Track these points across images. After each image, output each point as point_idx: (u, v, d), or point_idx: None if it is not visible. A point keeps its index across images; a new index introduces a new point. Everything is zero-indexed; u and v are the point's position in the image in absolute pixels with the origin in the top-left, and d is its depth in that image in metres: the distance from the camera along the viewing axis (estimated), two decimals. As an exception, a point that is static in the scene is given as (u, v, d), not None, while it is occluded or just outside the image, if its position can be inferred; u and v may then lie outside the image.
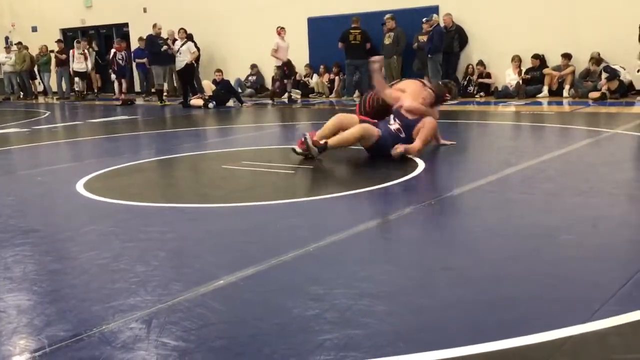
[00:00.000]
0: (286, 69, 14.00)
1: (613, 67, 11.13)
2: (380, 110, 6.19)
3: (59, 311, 2.66)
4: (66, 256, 3.49)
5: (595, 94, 11.16)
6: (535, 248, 3.29)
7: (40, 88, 19.41)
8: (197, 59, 15.16)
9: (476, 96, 12.73)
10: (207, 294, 2.76)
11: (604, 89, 11.14)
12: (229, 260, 3.25)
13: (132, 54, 16.86)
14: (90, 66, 17.32)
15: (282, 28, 13.91)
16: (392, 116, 5.93)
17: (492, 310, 2.53)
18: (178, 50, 13.68)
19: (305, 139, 5.63)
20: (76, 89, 17.39)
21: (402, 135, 5.76)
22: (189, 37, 14.15)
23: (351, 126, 5.72)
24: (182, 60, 13.57)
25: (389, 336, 2.32)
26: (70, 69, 16.94)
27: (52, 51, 17.96)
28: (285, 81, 14.18)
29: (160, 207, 4.52)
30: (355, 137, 5.67)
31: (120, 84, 16.07)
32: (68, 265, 3.32)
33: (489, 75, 12.94)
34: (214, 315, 2.55)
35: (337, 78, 14.61)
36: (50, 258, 3.43)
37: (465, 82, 13.03)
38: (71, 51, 16.87)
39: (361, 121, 5.85)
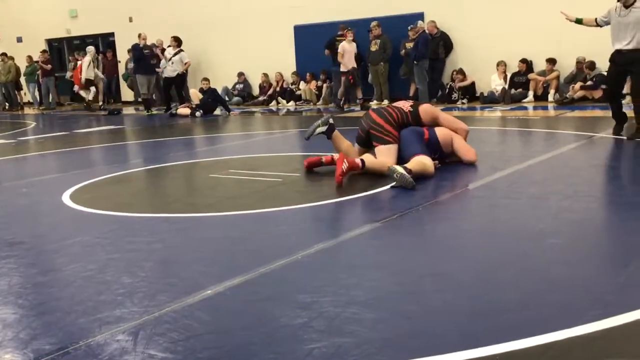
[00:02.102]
0: (351, 78, 12.71)
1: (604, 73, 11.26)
2: (408, 126, 5.67)
3: (45, 324, 2.64)
4: (52, 268, 3.46)
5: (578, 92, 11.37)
6: (522, 253, 3.31)
7: (26, 99, 19.32)
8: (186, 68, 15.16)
9: (458, 103, 12.76)
10: (195, 304, 2.75)
11: (577, 95, 11.33)
12: (217, 269, 3.24)
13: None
14: (100, 74, 16.61)
15: (349, 29, 12.61)
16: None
17: (481, 315, 2.53)
18: (170, 59, 13.64)
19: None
20: (88, 98, 16.37)
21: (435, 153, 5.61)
22: (181, 46, 14.06)
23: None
24: (174, 70, 13.53)
25: (377, 343, 2.32)
26: (82, 78, 16.04)
27: (36, 62, 17.89)
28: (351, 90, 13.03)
29: (147, 217, 4.50)
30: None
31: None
32: (54, 277, 3.29)
33: (465, 80, 12.97)
34: (201, 325, 2.54)
35: (324, 85, 14.65)
36: (36, 270, 3.40)
37: (447, 89, 13.10)
38: (87, 58, 15.94)
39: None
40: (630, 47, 6.86)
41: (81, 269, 3.34)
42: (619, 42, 6.93)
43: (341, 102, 13.09)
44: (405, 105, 5.85)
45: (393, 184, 4.93)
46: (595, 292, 2.72)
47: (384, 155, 5.44)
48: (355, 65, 12.74)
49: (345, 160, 5.12)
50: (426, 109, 5.87)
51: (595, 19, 7.24)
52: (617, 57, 7.01)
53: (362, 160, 5.31)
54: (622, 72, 7.10)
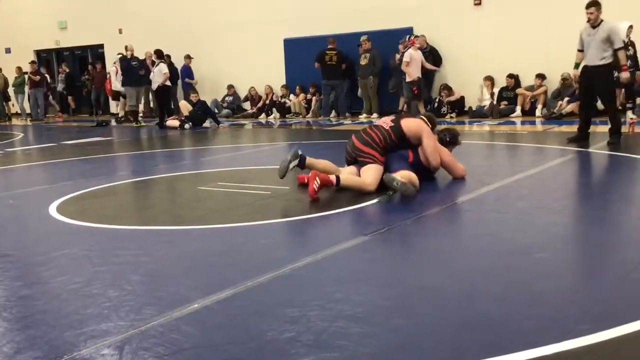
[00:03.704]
0: (415, 89, 11.75)
1: None
2: (393, 148, 5.51)
3: (30, 338, 2.61)
4: (37, 281, 3.43)
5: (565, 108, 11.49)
6: (509, 266, 3.31)
7: (14, 110, 19.23)
8: (176, 80, 15.11)
9: (447, 117, 12.81)
10: (181, 318, 2.73)
11: (565, 110, 11.44)
12: (204, 283, 3.22)
13: (181, 72, 16.13)
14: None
15: (417, 36, 11.92)
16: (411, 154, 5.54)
17: (468, 329, 2.53)
18: (151, 72, 13.63)
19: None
20: (119, 110, 15.82)
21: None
22: (162, 58, 14.02)
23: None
24: (155, 82, 13.52)
25: (365, 358, 2.31)
26: (110, 89, 15.54)
27: (25, 72, 17.83)
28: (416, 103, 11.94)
29: (135, 230, 4.47)
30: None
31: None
32: (39, 290, 3.26)
33: (452, 95, 13.03)
34: (188, 340, 2.51)
35: (313, 98, 14.69)
36: (21, 283, 3.36)
37: (436, 103, 13.16)
38: (113, 68, 15.39)
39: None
40: (594, 63, 7.55)
41: (67, 281, 3.31)
42: (587, 59, 7.67)
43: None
44: (386, 121, 5.63)
45: (379, 198, 4.94)
46: (583, 307, 2.72)
47: (366, 173, 5.31)
48: (420, 75, 11.87)
49: (317, 178, 5.03)
50: (409, 125, 5.52)
51: (577, 51, 7.91)
52: (585, 72, 7.72)
53: (337, 177, 5.21)
54: (590, 85, 7.77)
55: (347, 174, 5.39)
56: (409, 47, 11.88)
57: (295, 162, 5.31)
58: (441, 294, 2.94)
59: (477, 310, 2.73)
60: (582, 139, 7.92)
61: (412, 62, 11.66)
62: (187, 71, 16.02)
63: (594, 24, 7.51)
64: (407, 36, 12.79)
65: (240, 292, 3.03)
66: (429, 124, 5.70)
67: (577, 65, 8.04)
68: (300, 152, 5.35)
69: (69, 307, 2.95)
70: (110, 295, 3.07)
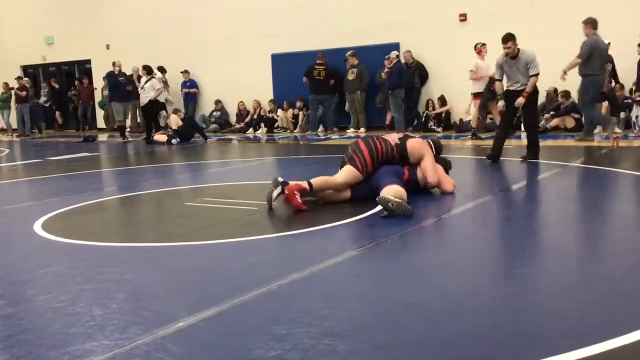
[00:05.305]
0: (494, 88, 11.10)
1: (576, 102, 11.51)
2: (391, 163, 5.68)
3: (13, 357, 2.58)
4: (21, 300, 3.39)
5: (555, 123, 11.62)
6: (494, 282, 3.33)
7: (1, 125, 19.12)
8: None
9: (435, 131, 12.89)
10: (167, 336, 2.71)
11: (550, 124, 11.57)
12: (190, 300, 3.20)
13: (181, 85, 16.23)
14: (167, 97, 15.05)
15: (484, 44, 11.19)
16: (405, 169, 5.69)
17: (454, 346, 2.53)
18: (142, 87, 13.62)
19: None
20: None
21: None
22: (151, 74, 14.00)
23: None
24: (146, 97, 13.50)
25: (351, 376, 2.30)
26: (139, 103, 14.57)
27: (12, 88, 17.75)
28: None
29: (120, 247, 4.45)
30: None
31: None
32: (23, 309, 3.22)
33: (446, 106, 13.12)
34: (173, 359, 2.50)
35: (300, 113, 14.73)
36: (4, 302, 3.32)
37: (423, 118, 13.24)
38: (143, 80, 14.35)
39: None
40: (518, 88, 7.85)
41: (51, 300, 3.28)
42: (510, 84, 7.98)
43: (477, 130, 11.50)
44: (394, 138, 5.79)
45: (378, 211, 4.95)
46: (568, 322, 2.74)
47: (342, 173, 5.50)
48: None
49: (294, 191, 5.18)
50: (413, 145, 5.73)
51: (496, 80, 8.33)
52: (509, 96, 7.96)
53: (308, 182, 5.35)
54: (513, 107, 7.95)
55: (316, 179, 5.49)
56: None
57: (279, 190, 5.31)
58: (427, 310, 2.94)
59: (462, 326, 2.73)
60: (499, 153, 8.06)
61: (479, 72, 11.11)
62: (192, 83, 16.29)
63: (512, 55, 7.84)
64: (392, 52, 12.89)
65: (226, 309, 3.01)
66: (433, 148, 5.93)
67: (499, 88, 8.30)
68: (280, 180, 5.36)
69: (53, 326, 2.92)
70: (95, 313, 3.04)
